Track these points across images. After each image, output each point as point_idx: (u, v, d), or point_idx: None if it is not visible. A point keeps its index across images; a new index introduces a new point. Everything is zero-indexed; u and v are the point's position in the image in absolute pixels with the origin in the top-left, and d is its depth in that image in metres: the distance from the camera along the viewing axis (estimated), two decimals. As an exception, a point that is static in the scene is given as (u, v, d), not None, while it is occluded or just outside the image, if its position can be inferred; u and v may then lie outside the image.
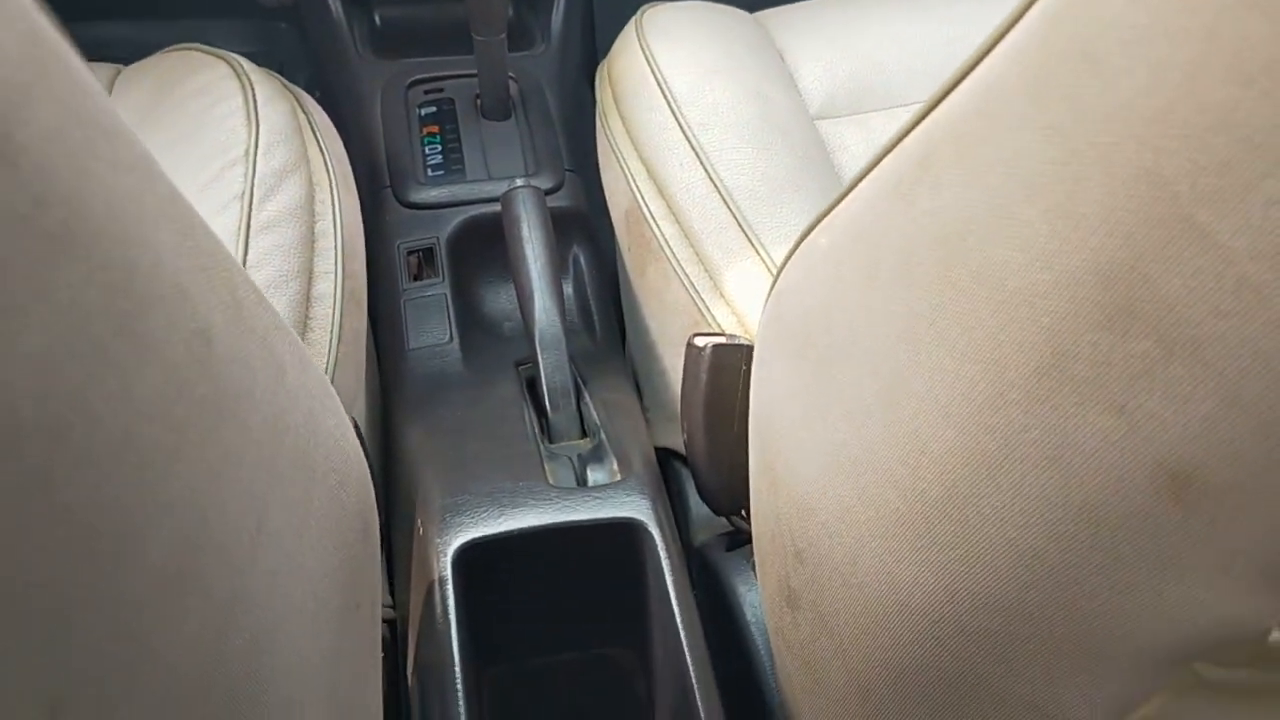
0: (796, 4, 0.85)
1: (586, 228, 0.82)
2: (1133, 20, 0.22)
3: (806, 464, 0.41)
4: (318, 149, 0.67)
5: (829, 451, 0.38)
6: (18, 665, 0.18)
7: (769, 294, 0.47)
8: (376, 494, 0.42)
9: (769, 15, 0.82)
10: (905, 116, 0.78)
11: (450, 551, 0.52)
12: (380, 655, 0.44)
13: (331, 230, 0.63)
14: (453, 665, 0.50)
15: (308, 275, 0.61)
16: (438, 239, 0.77)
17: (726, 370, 0.58)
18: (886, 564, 0.36)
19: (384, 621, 0.60)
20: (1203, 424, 0.23)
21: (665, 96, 0.70)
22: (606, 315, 0.80)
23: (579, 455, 0.61)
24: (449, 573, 0.51)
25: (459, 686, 0.49)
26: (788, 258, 0.44)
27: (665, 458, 0.71)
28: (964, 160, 0.28)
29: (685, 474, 0.70)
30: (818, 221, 0.40)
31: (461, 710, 0.49)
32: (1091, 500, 0.26)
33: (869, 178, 0.35)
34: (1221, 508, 0.23)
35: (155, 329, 0.20)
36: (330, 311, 0.60)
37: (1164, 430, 0.23)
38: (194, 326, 0.23)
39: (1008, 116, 0.26)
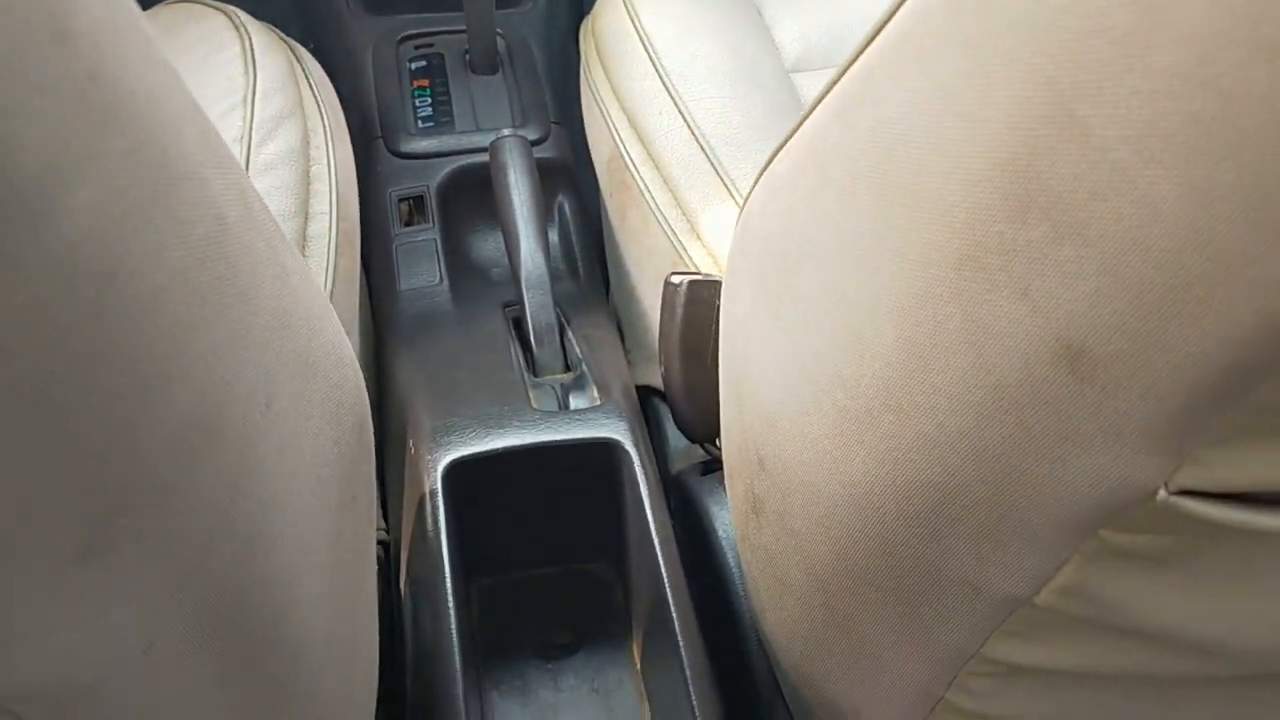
0: (774, -38, 0.87)
1: (571, 178, 0.85)
2: None
3: (768, 376, 0.44)
4: (312, 97, 0.70)
5: (786, 361, 0.41)
6: (67, 484, 0.21)
7: (736, 226, 0.50)
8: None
9: (748, -28, 0.85)
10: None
11: (440, 468, 0.56)
12: (374, 559, 0.48)
13: (326, 174, 0.66)
14: (443, 575, 0.53)
15: (304, 215, 0.64)
16: (428, 187, 0.81)
17: (701, 304, 0.61)
18: (836, 460, 0.39)
19: (378, 544, 0.64)
20: (1090, 299, 0.26)
21: (646, 49, 0.73)
22: (590, 262, 0.83)
23: (561, 385, 0.65)
24: (439, 487, 0.55)
25: (449, 595, 0.53)
26: (751, 189, 0.47)
27: (646, 395, 0.75)
28: (898, 77, 0.31)
29: (664, 410, 0.73)
30: (777, 151, 0.43)
31: (452, 618, 0.53)
32: (1005, 379, 0.30)
33: (821, 104, 0.39)
34: (1110, 376, 0.27)
35: (181, 205, 0.24)
36: (325, 250, 0.63)
37: (1059, 308, 0.27)
38: (212, 212, 0.26)
39: (931, 34, 0.29)
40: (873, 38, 0.35)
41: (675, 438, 0.70)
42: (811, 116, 0.39)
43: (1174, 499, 0.29)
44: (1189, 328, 0.24)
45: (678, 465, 0.69)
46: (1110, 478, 0.29)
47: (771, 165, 0.44)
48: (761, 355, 0.44)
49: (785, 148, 0.42)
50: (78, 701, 0.25)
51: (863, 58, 0.35)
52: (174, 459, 0.25)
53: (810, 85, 0.78)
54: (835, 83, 0.37)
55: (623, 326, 0.80)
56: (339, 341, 0.40)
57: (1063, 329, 0.27)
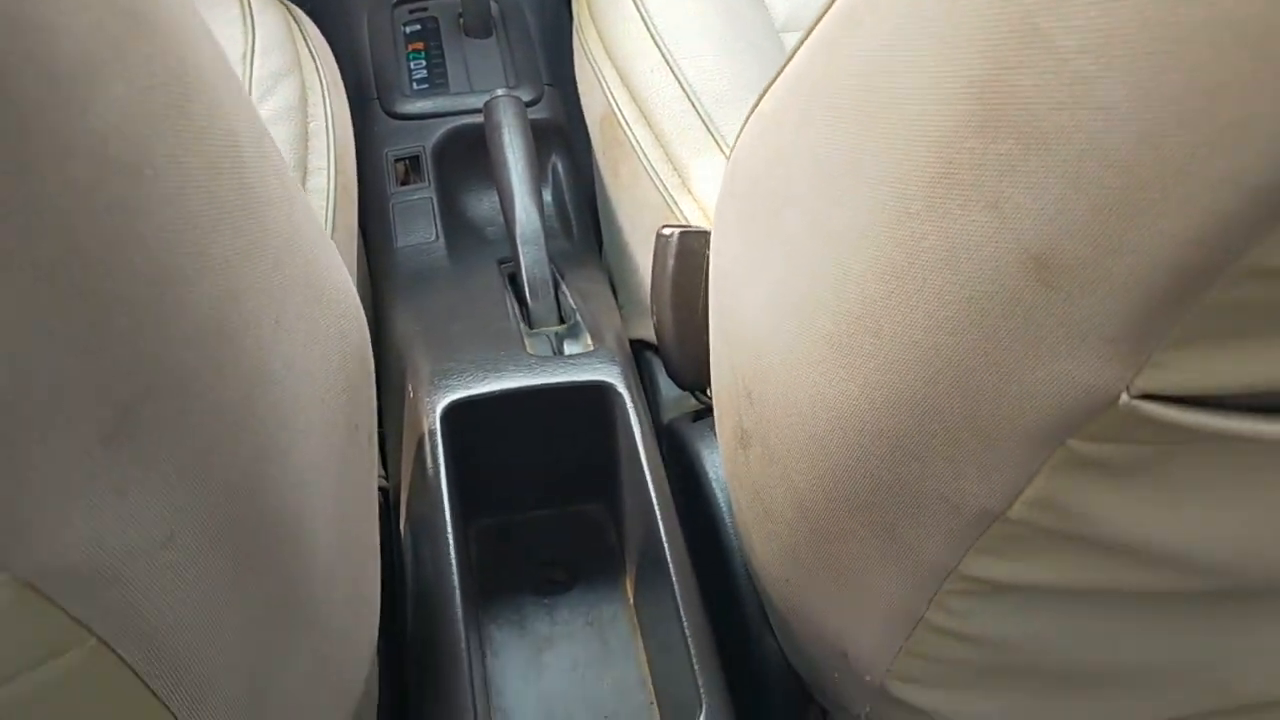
0: (765, -76, 0.89)
1: (565, 138, 0.87)
2: None
3: (755, 311, 0.46)
4: (310, 56, 0.71)
5: (773, 295, 0.43)
6: (99, 365, 0.23)
7: (725, 172, 0.51)
8: None
9: (738, -66, 0.86)
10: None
11: (439, 410, 0.57)
12: (376, 495, 0.50)
13: (324, 130, 0.67)
14: (443, 515, 0.55)
15: (303, 170, 0.65)
16: (423, 147, 0.82)
17: (692, 255, 0.63)
18: (819, 385, 0.41)
19: (378, 490, 0.66)
20: (1055, 208, 0.28)
21: (638, 9, 0.74)
22: (584, 220, 0.85)
23: (556, 334, 0.66)
24: (438, 427, 0.57)
25: (449, 534, 0.54)
26: (739, 135, 0.49)
27: (639, 349, 0.77)
28: (877, 8, 0.33)
29: (656, 363, 0.75)
30: (764, 93, 0.45)
31: (452, 556, 0.54)
32: (977, 292, 0.31)
33: (805, 43, 0.40)
34: (1074, 282, 0.29)
35: (199, 115, 0.25)
36: (324, 204, 0.65)
37: (1027, 219, 0.28)
38: (225, 126, 0.27)
39: (908, -36, 0.31)
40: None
41: (667, 388, 0.72)
42: (796, 56, 0.41)
43: (1136, 403, 0.30)
44: (1144, 230, 0.26)
45: (670, 414, 0.71)
46: (1075, 384, 0.31)
47: (758, 107, 0.45)
48: (749, 292, 0.46)
49: (770, 89, 0.43)
50: (106, 585, 0.27)
51: (844, -8, 0.36)
52: (195, 355, 0.26)
53: (799, 45, 0.79)
54: (819, 21, 0.39)
55: (615, 282, 0.82)
56: (341, 274, 0.42)
57: (1030, 239, 0.29)
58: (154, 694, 0.31)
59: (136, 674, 0.30)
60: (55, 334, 0.21)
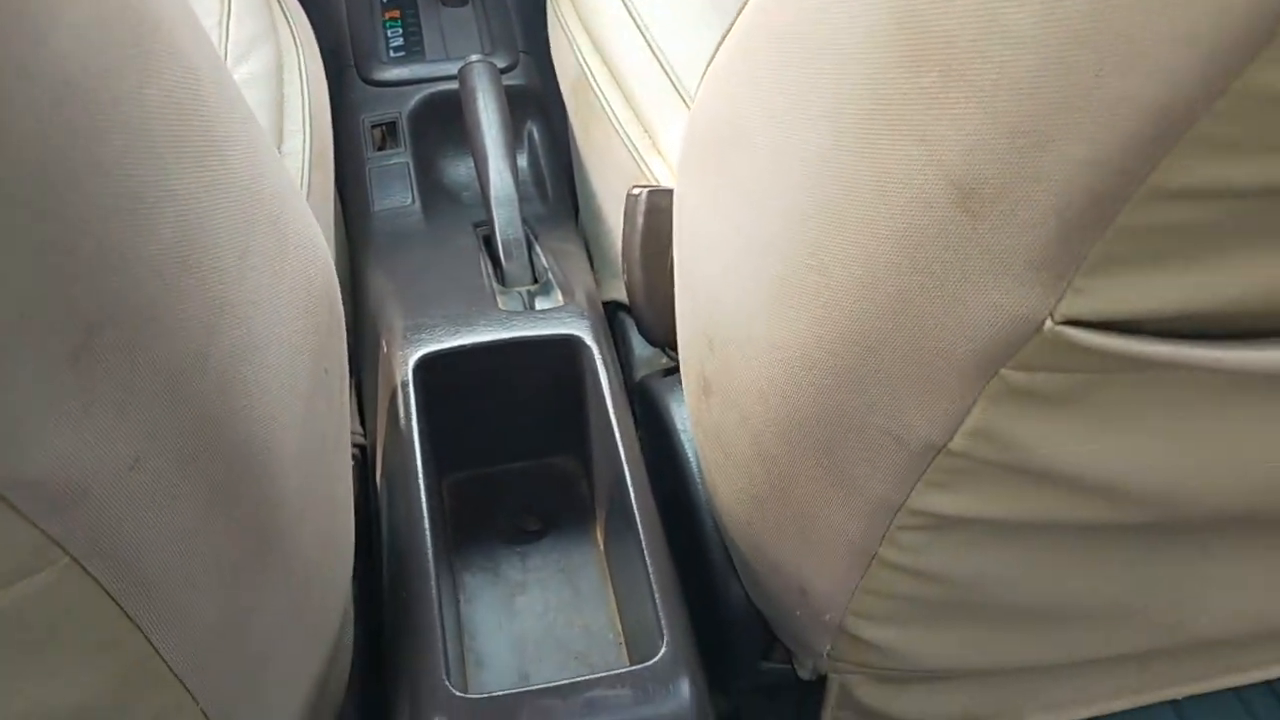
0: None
1: (540, 104, 0.88)
2: None
3: (711, 258, 0.47)
4: (285, 21, 0.73)
5: (727, 239, 0.44)
6: (64, 286, 0.24)
7: (685, 126, 0.53)
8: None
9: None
10: None
11: (411, 362, 0.59)
12: (349, 440, 0.51)
13: (299, 94, 0.69)
14: (414, 464, 0.56)
15: (278, 133, 0.66)
16: (400, 113, 0.83)
17: (660, 213, 0.64)
18: (772, 328, 0.42)
19: (354, 446, 0.67)
20: (975, 139, 0.29)
21: (609, -28, 0.75)
22: (559, 185, 0.86)
23: (529, 291, 0.68)
24: (410, 378, 0.58)
25: (420, 482, 0.56)
26: (697, 90, 0.50)
27: (613, 310, 0.78)
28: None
29: (630, 323, 0.76)
30: (717, 48, 0.46)
31: (424, 504, 0.56)
32: (909, 225, 0.33)
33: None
34: (996, 211, 0.30)
35: (159, 51, 0.27)
36: (300, 165, 0.66)
37: (950, 150, 0.30)
38: (186, 64, 0.29)
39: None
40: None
41: (640, 347, 0.73)
42: (743, 9, 0.42)
43: (1060, 328, 0.32)
44: (1055, 156, 0.28)
45: (643, 371, 0.73)
46: (1003, 313, 0.33)
47: (713, 61, 0.46)
48: (706, 240, 0.47)
49: (722, 44, 0.45)
50: (75, 502, 0.28)
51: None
52: (158, 282, 0.28)
53: (769, 9, 0.81)
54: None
55: (590, 246, 0.83)
56: (309, 222, 0.43)
57: (954, 170, 0.30)
58: (126, 615, 0.33)
59: (109, 594, 0.32)
60: (19, 253, 0.23)
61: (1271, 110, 0.24)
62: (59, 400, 0.26)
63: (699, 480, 0.60)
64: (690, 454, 0.62)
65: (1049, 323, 0.32)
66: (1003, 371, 0.35)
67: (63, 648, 0.32)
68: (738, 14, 0.44)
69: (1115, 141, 0.26)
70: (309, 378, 0.41)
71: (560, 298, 0.67)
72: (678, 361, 0.72)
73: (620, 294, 0.76)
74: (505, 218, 0.71)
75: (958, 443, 0.39)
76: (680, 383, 0.69)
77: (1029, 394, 0.36)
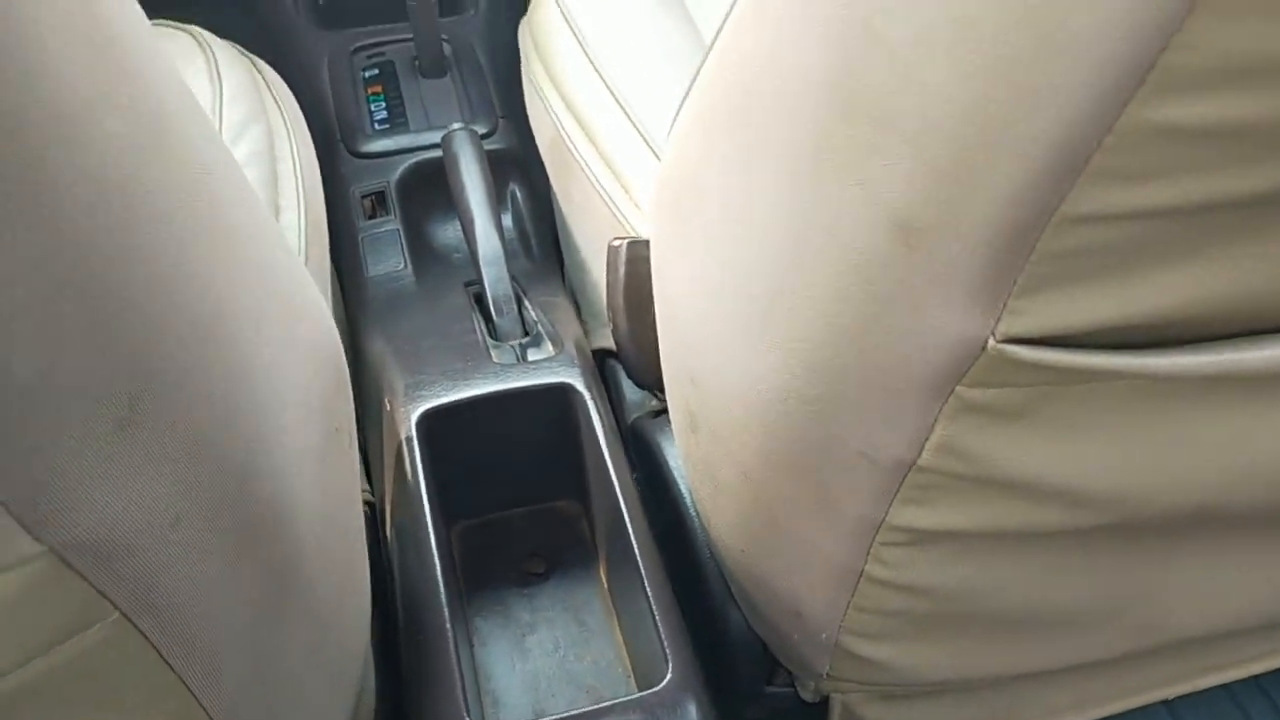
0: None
1: (521, 166, 0.92)
2: None
3: (691, 301, 0.50)
4: (274, 103, 0.76)
5: (698, 277, 0.48)
6: (109, 362, 0.27)
7: (654, 183, 0.56)
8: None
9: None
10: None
11: (414, 418, 0.62)
12: (360, 497, 0.54)
13: (292, 171, 0.72)
14: (424, 516, 0.59)
15: (274, 209, 0.70)
16: (388, 183, 0.87)
17: (640, 261, 0.67)
18: (748, 362, 0.45)
19: (364, 503, 0.70)
20: (906, 180, 0.32)
21: (577, 39, 0.80)
22: (544, 242, 0.90)
23: (520, 344, 0.71)
24: (414, 434, 0.61)
25: (431, 535, 0.59)
26: (669, 131, 0.53)
27: (602, 358, 0.81)
28: (757, 12, 0.38)
29: (619, 369, 0.79)
30: (682, 102, 0.50)
31: (435, 556, 0.59)
32: (860, 260, 0.36)
33: (709, 54, 0.45)
34: (932, 243, 0.33)
35: (176, 147, 0.30)
36: (297, 237, 0.69)
37: (887, 190, 0.33)
38: (199, 159, 0.32)
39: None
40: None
41: (630, 391, 0.77)
42: (704, 64, 0.46)
43: (1002, 346, 0.35)
44: (977, 191, 0.31)
45: (633, 415, 0.76)
46: (950, 335, 0.36)
47: (678, 115, 0.50)
48: (682, 285, 0.51)
49: (686, 98, 0.48)
50: (124, 558, 0.31)
51: (734, 10, 0.41)
52: (187, 354, 0.31)
53: (733, 63, 0.85)
54: (718, 35, 0.44)
55: (577, 297, 0.86)
56: (314, 293, 0.46)
57: (893, 208, 0.34)
58: (171, 668, 0.36)
59: (155, 647, 0.34)
60: (71, 335, 0.26)
61: (1155, 142, 0.27)
62: (108, 465, 0.29)
63: (693, 513, 0.63)
64: (683, 489, 0.65)
65: (992, 341, 0.35)
66: (958, 389, 0.38)
67: (116, 702, 0.35)
68: (696, 74, 0.48)
69: (1027, 177, 0.29)
70: (322, 436, 0.44)
71: (551, 348, 0.70)
72: (662, 400, 0.75)
73: (608, 342, 0.79)
74: (494, 276, 0.75)
75: (926, 459, 0.41)
76: (670, 422, 0.72)
77: (985, 409, 0.39)
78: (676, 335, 0.54)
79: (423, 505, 0.60)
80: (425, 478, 0.60)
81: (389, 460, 0.64)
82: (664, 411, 0.72)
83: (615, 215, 0.74)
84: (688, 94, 0.48)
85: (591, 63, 0.77)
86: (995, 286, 0.33)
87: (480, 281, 0.76)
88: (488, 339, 0.71)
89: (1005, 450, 0.41)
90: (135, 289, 0.27)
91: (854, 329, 0.39)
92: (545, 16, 0.83)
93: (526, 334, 0.74)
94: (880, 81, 0.31)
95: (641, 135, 0.74)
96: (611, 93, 0.75)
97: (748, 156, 0.40)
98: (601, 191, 0.75)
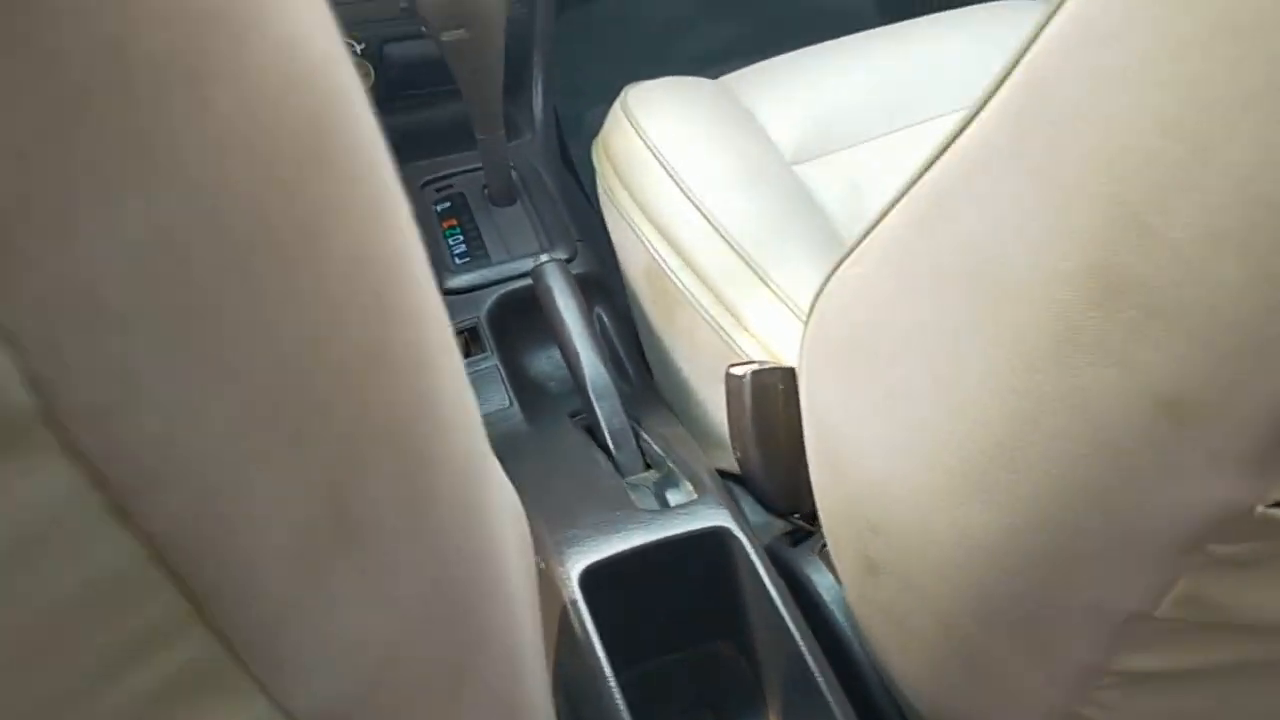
0: (752, 66, 0.95)
1: (604, 288, 0.92)
2: (1080, 93, 0.31)
3: (871, 452, 0.50)
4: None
5: (890, 437, 0.47)
6: (321, 446, 0.23)
7: (807, 322, 0.56)
8: None
9: (732, 80, 0.93)
10: (865, 151, 0.89)
11: (575, 576, 0.61)
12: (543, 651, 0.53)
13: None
14: (603, 674, 0.58)
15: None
16: (479, 318, 0.87)
17: (767, 389, 0.67)
18: (955, 516, 0.45)
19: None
20: (1180, 362, 0.32)
21: (663, 166, 0.80)
22: (636, 363, 0.89)
23: (654, 483, 0.70)
24: (578, 595, 0.60)
25: (614, 691, 0.57)
26: (820, 289, 0.53)
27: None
28: (973, 199, 0.37)
29: (739, 490, 0.79)
30: (845, 257, 0.49)
31: (621, 707, 0.57)
32: (1110, 435, 0.36)
33: (884, 222, 0.45)
34: (1204, 419, 0.33)
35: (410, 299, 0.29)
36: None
37: (1154, 371, 0.33)
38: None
39: (999, 164, 0.36)
40: (933, 160, 0.41)
41: (753, 513, 0.76)
42: (878, 230, 0.46)
43: (1268, 510, 0.34)
44: (1263, 372, 0.30)
45: (762, 538, 0.75)
46: (1212, 501, 0.35)
47: (842, 269, 0.50)
48: (861, 435, 0.50)
49: (856, 255, 0.48)
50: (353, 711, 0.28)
51: (926, 181, 0.41)
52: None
53: (812, 174, 0.85)
54: (900, 198, 0.44)
55: (681, 419, 0.86)
56: (504, 481, 0.46)
57: (1158, 387, 0.33)
58: None
59: None
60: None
61: None
62: (337, 600, 0.26)
63: (856, 644, 0.62)
64: (840, 618, 0.64)
65: (1260, 508, 0.35)
66: (1209, 546, 0.37)
67: None
68: (866, 232, 0.47)
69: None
70: (529, 578, 0.43)
71: (690, 488, 0.69)
72: (795, 526, 0.75)
73: (721, 464, 0.79)
74: (608, 410, 0.74)
75: (1163, 610, 0.40)
76: (811, 550, 0.71)
77: (1233, 562, 0.38)
78: (848, 481, 0.53)
79: (599, 662, 0.59)
80: (598, 634, 0.59)
81: (548, 619, 0.63)
82: (800, 536, 0.71)
83: (725, 341, 0.73)
84: (860, 243, 0.48)
85: (681, 189, 0.78)
86: (1272, 460, 0.33)
87: (591, 413, 0.75)
88: (617, 478, 0.71)
89: (1248, 596, 0.40)
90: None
91: (1095, 493, 0.38)
92: (626, 147, 0.83)
93: (648, 466, 0.73)
94: (1155, 273, 0.31)
95: (744, 260, 0.74)
96: (708, 221, 0.76)
97: (959, 322, 0.40)
98: (709, 319, 0.74)
